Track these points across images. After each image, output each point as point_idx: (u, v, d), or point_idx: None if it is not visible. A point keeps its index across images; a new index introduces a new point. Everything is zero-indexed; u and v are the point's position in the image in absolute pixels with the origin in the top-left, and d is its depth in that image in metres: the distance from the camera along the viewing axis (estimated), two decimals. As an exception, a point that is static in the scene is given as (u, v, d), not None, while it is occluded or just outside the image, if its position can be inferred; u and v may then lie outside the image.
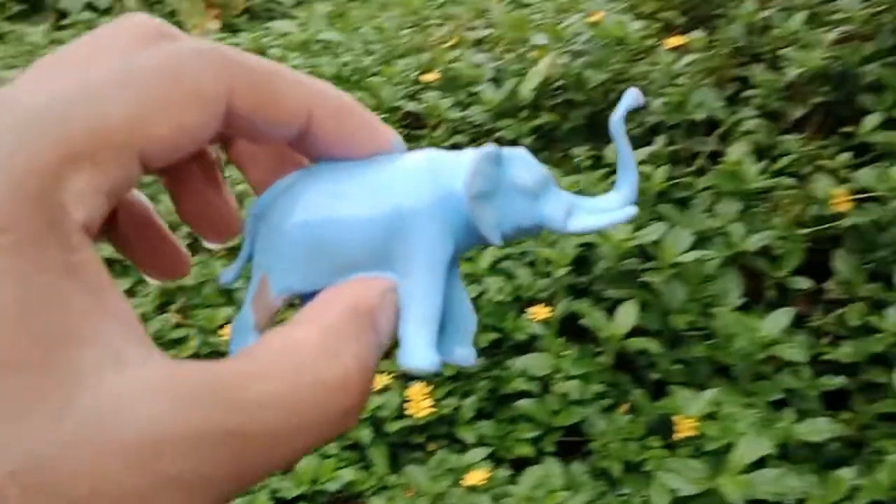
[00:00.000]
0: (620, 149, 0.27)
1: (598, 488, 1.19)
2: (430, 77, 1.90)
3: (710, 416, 1.22)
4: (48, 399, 0.17)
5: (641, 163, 1.56)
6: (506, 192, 0.25)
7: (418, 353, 0.23)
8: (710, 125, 1.75)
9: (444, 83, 1.98)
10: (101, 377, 0.18)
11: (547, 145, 1.96)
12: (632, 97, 0.26)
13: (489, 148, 0.24)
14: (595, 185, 1.55)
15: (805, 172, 1.62)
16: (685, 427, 1.18)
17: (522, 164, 0.25)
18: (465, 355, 0.26)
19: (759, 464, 1.17)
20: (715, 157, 1.66)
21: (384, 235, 0.23)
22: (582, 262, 1.60)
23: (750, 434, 1.10)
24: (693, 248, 1.38)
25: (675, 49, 1.84)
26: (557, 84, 1.93)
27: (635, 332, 1.32)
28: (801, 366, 1.38)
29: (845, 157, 1.53)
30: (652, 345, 1.30)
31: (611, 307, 1.37)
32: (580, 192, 1.57)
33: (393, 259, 0.23)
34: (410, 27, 2.57)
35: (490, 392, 1.34)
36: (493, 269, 1.46)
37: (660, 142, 1.62)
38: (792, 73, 1.55)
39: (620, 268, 1.41)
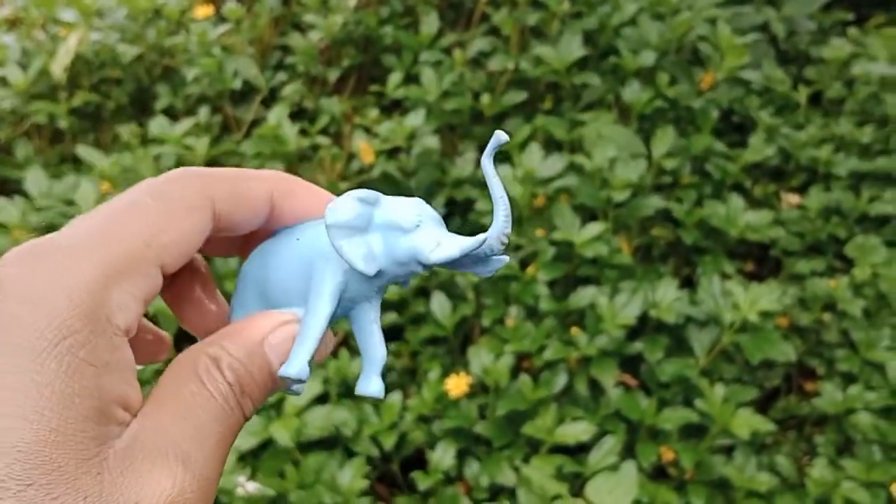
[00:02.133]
0: (491, 185, 0.29)
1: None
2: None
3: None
4: (85, 466, 0.24)
5: (185, 135, 1.55)
6: (382, 227, 0.28)
7: (292, 363, 0.28)
8: (258, 92, 1.79)
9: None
10: (119, 438, 0.25)
11: (94, 126, 1.86)
12: (497, 139, 0.29)
13: (364, 191, 0.28)
14: (142, 162, 1.51)
15: (346, 131, 1.73)
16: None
17: (404, 206, 0.28)
18: (373, 388, 0.30)
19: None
20: (262, 123, 1.71)
21: (302, 279, 0.28)
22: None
23: (301, 379, 1.16)
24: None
25: (215, 20, 1.84)
26: (98, 63, 1.84)
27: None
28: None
29: (375, 113, 1.66)
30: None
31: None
32: (128, 171, 1.52)
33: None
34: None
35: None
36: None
37: (203, 112, 1.62)
38: (316, 37, 1.63)
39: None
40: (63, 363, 0.24)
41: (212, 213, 0.27)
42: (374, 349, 0.30)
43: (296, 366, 0.28)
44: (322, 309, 0.28)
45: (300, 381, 0.29)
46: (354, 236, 0.27)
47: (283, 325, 0.29)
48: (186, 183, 0.27)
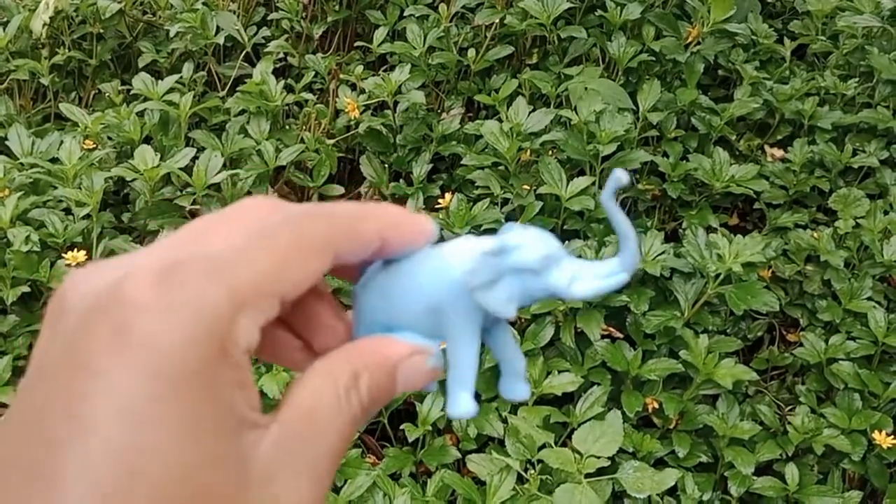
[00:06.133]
0: (616, 222, 0.30)
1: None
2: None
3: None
4: (230, 467, 0.26)
5: (169, 91, 1.53)
6: (513, 272, 0.30)
7: (460, 405, 0.30)
8: (243, 49, 1.77)
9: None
10: (257, 448, 0.26)
11: (76, 83, 1.84)
12: (616, 178, 0.29)
13: (492, 243, 0.30)
14: (125, 119, 1.50)
15: (333, 87, 1.72)
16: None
17: (529, 246, 0.30)
18: (521, 392, 0.33)
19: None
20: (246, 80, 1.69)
21: (430, 317, 0.30)
22: (122, 200, 1.55)
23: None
24: (228, 169, 1.41)
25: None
26: (79, 19, 1.81)
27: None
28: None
29: (360, 69, 1.65)
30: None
31: (153, 240, 1.35)
32: (112, 128, 1.51)
33: (437, 328, 0.30)
34: None
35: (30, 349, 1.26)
36: (20, 218, 1.35)
37: (186, 69, 1.61)
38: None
39: (158, 198, 1.39)
40: (207, 389, 0.25)
41: (333, 254, 0.29)
42: (515, 359, 0.33)
43: (464, 406, 0.31)
44: (471, 350, 0.31)
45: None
46: (492, 287, 0.30)
47: (415, 355, 0.31)
48: (317, 225, 0.29)
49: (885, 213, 1.50)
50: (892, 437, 1.29)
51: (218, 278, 0.26)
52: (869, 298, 1.41)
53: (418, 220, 0.32)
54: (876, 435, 1.29)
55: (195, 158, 1.41)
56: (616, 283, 0.31)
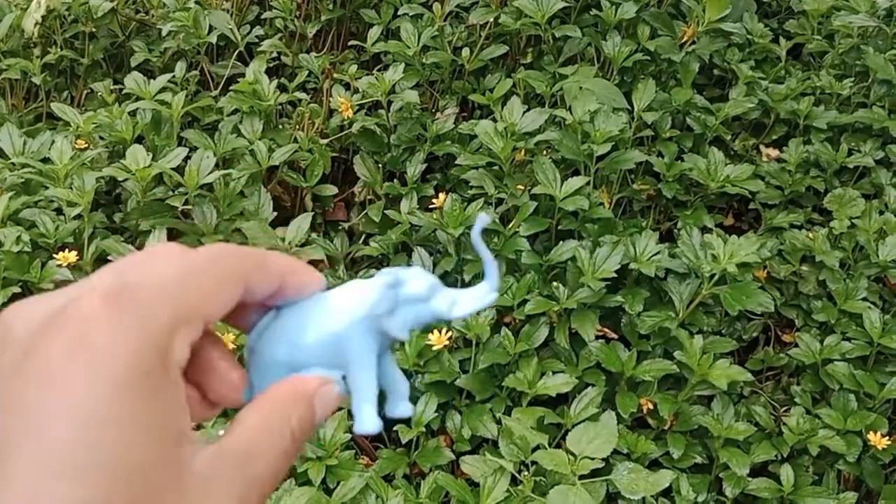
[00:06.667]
0: (481, 254, 0.36)
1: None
2: None
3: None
4: (164, 471, 0.28)
5: (161, 91, 1.53)
6: (406, 302, 0.35)
7: (366, 422, 0.34)
8: (236, 48, 1.76)
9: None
10: (193, 461, 0.29)
11: (68, 83, 1.83)
12: (482, 220, 0.35)
13: (390, 276, 0.34)
14: (117, 118, 1.49)
15: (326, 86, 1.71)
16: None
17: (416, 280, 0.35)
18: (403, 410, 0.37)
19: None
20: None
21: (330, 350, 0.34)
22: (114, 200, 1.54)
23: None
24: (220, 169, 1.40)
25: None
26: (71, 17, 1.80)
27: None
28: (338, 263, 1.49)
29: (354, 68, 1.64)
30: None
31: (144, 240, 1.35)
32: (104, 128, 1.50)
33: (340, 364, 0.34)
34: None
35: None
36: (11, 219, 1.34)
37: (179, 68, 1.60)
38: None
39: (150, 198, 1.38)
40: (152, 396, 0.28)
41: (245, 284, 0.33)
42: (399, 384, 0.37)
43: (369, 422, 0.34)
44: (371, 373, 0.35)
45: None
46: (392, 315, 0.35)
47: (324, 385, 0.34)
48: (233, 258, 0.33)
49: (881, 213, 1.50)
50: (888, 438, 1.28)
51: (163, 299, 0.30)
52: (864, 299, 1.40)
53: (312, 269, 0.37)
54: (871, 436, 1.28)
55: (187, 158, 1.40)
56: (488, 302, 0.36)
